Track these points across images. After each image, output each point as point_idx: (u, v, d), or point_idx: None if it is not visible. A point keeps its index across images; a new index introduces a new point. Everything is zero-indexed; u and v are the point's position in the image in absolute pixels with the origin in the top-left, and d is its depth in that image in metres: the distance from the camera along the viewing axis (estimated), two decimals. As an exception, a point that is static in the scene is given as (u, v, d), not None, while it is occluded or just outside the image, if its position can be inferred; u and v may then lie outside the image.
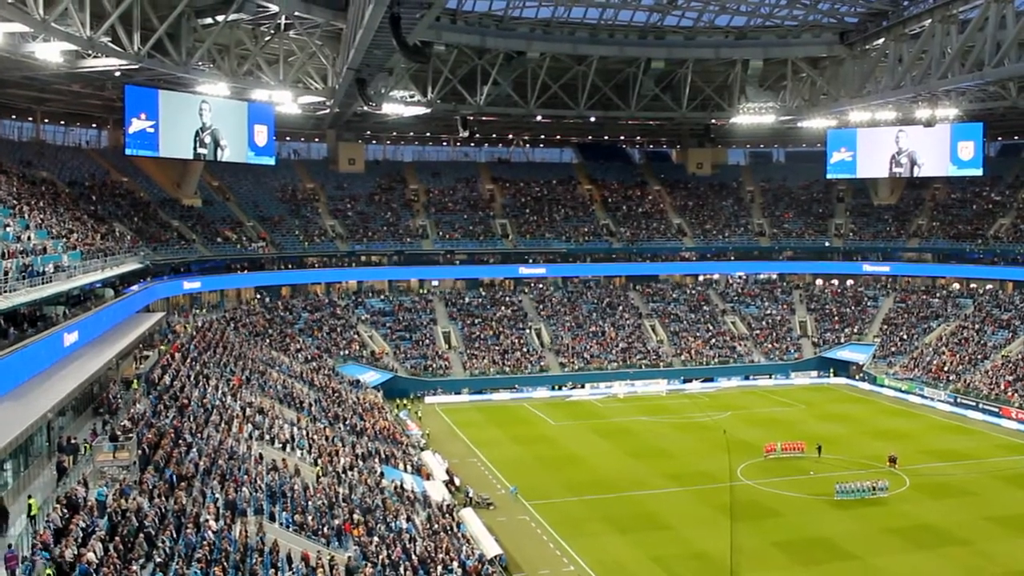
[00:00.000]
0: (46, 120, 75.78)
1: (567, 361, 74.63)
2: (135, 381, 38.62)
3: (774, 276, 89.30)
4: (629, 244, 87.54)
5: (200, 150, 67.62)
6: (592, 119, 79.49)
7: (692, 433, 57.55)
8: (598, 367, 74.35)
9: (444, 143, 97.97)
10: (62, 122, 77.36)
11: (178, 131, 65.38)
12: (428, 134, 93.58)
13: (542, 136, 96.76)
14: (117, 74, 56.05)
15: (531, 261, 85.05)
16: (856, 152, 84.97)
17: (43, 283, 33.06)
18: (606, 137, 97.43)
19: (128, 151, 65.15)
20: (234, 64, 59.63)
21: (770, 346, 79.18)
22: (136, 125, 62.87)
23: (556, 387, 71.74)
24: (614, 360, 75.29)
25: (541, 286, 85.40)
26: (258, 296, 75.29)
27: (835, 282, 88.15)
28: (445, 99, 70.44)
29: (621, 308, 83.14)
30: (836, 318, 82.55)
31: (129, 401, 35.51)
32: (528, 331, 78.19)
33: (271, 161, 74.21)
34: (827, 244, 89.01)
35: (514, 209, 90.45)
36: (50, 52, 44.57)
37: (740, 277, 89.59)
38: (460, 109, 71.67)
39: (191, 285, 67.20)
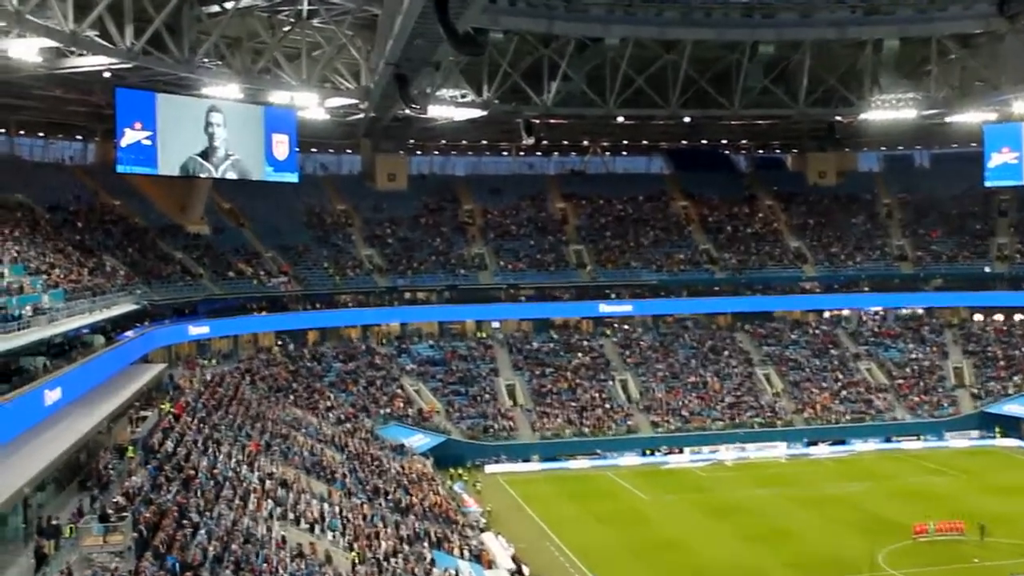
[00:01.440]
0: (21, 132, 76.71)
1: (660, 420, 73.92)
2: (130, 448, 38.72)
3: (920, 311, 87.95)
4: (735, 273, 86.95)
5: (207, 166, 68.03)
6: (686, 120, 78.78)
7: (820, 510, 56.38)
8: (699, 427, 73.57)
9: (504, 153, 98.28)
10: (41, 134, 78.38)
11: (181, 143, 65.47)
12: (484, 142, 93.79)
13: (624, 142, 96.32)
14: (106, 75, 56.44)
15: (614, 296, 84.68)
16: (1022, 153, 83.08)
17: (19, 329, 33.52)
18: (704, 141, 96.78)
19: (120, 168, 64.51)
20: (247, 60, 59.95)
21: (917, 399, 77.65)
22: (130, 136, 62.72)
23: (648, 452, 71.20)
24: (719, 418, 74.48)
25: (627, 327, 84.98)
26: (279, 343, 75.68)
27: (999, 317, 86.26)
28: (504, 99, 70.21)
29: (727, 353, 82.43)
30: (1001, 363, 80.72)
31: (123, 472, 35.49)
32: (612, 383, 77.69)
33: (294, 178, 74.41)
34: (987, 269, 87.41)
35: (591, 232, 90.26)
36: (26, 50, 45.37)
37: (876, 313, 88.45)
38: (523, 111, 71.41)
39: (198, 330, 67.64)
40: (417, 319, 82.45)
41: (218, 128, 67.24)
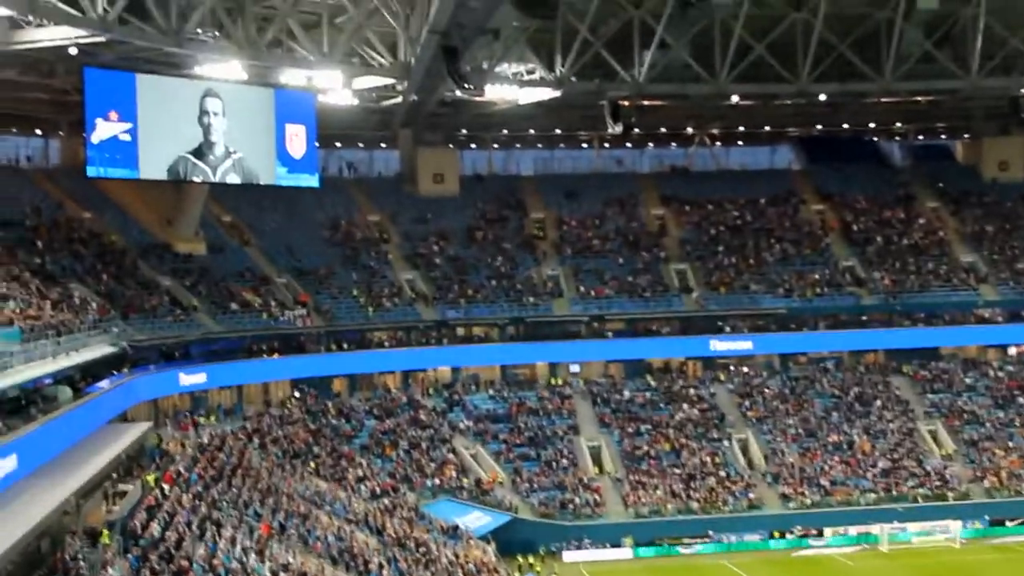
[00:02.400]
0: (-36, 127, 77.87)
1: (792, 491, 72.99)
2: (105, 532, 38.47)
3: None
4: (889, 298, 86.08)
5: (202, 167, 68.42)
6: (822, 98, 78.74)
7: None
8: (844, 501, 72.55)
9: (584, 145, 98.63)
10: (-11, 129, 79.32)
11: (168, 138, 66.15)
12: (558, 132, 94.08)
13: (740, 128, 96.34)
14: (72, 51, 56.91)
15: (729, 330, 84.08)
16: None
17: (-37, 379, 33.48)
18: (845, 126, 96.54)
19: (91, 171, 65.70)
20: (252, 31, 60.06)
21: None
22: (103, 130, 63.55)
23: (776, 534, 70.59)
24: (871, 489, 73.33)
25: (746, 370, 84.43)
26: (296, 394, 75.53)
27: None
28: (584, 75, 70.61)
29: (879, 403, 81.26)
30: None
31: (96, 565, 35.22)
32: (727, 443, 77.09)
33: (314, 181, 75.06)
34: None
35: (698, 247, 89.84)
36: (-32, 21, 46.49)
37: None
38: (608, 90, 71.85)
39: (191, 379, 66.90)
40: (473, 362, 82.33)
41: (216, 118, 68.13)
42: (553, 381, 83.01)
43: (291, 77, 66.01)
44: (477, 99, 70.68)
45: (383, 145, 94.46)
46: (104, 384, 52.61)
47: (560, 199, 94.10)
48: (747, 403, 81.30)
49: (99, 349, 52.23)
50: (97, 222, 74.25)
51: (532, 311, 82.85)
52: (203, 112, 67.69)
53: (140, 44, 55.43)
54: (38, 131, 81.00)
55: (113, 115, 63.71)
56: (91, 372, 51.46)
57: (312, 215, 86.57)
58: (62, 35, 51.64)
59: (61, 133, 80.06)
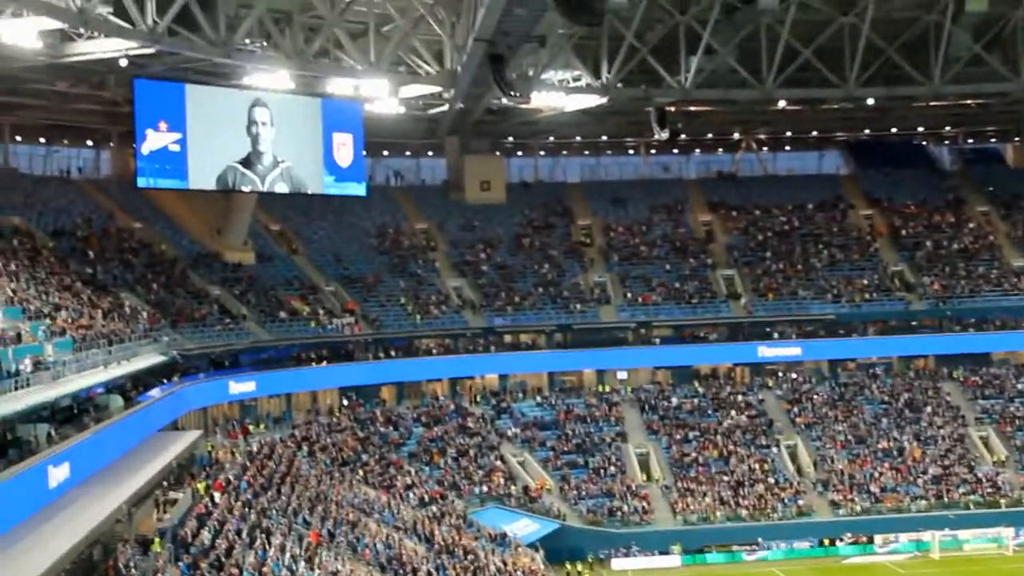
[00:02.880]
0: (17, 138, 78.10)
1: (842, 499, 72.64)
2: (156, 540, 38.48)
3: None
4: (939, 303, 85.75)
5: (251, 176, 68.97)
6: (870, 102, 78.34)
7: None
8: (895, 508, 72.17)
9: (630, 152, 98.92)
10: (41, 140, 79.65)
11: (217, 148, 66.88)
12: (604, 139, 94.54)
13: (788, 134, 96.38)
14: (123, 63, 57.16)
15: (777, 336, 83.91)
16: None
17: (16, 389, 33.58)
18: (894, 130, 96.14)
19: (141, 182, 66.37)
20: (300, 40, 60.68)
21: None
22: (153, 141, 64.17)
23: (826, 542, 70.13)
24: (922, 496, 72.91)
25: (795, 376, 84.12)
26: (345, 402, 75.84)
27: None
28: (631, 81, 70.51)
29: (930, 409, 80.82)
30: None
31: (148, 572, 35.31)
32: (776, 449, 76.84)
33: (361, 190, 75.66)
34: None
35: (746, 252, 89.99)
36: (22, 33, 46.36)
37: None
38: (654, 96, 71.10)
39: (241, 387, 67.74)
40: (520, 369, 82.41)
41: (264, 128, 68.94)
42: (600, 388, 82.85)
43: (338, 86, 66.17)
44: (523, 106, 70.58)
45: (430, 153, 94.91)
46: (155, 393, 53.38)
47: (607, 206, 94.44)
48: (796, 409, 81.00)
49: (150, 358, 52.76)
50: (147, 232, 75.33)
51: (579, 318, 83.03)
52: (251, 122, 68.15)
53: (189, 55, 55.78)
54: (89, 142, 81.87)
55: (163, 126, 64.36)
56: (142, 381, 52.09)
57: (360, 223, 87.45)
58: (113, 47, 52.02)
59: (112, 144, 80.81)
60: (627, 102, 74.01)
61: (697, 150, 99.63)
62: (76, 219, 72.29)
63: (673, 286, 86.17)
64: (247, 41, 58.22)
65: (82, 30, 49.18)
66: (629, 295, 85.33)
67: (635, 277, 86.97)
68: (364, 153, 75.66)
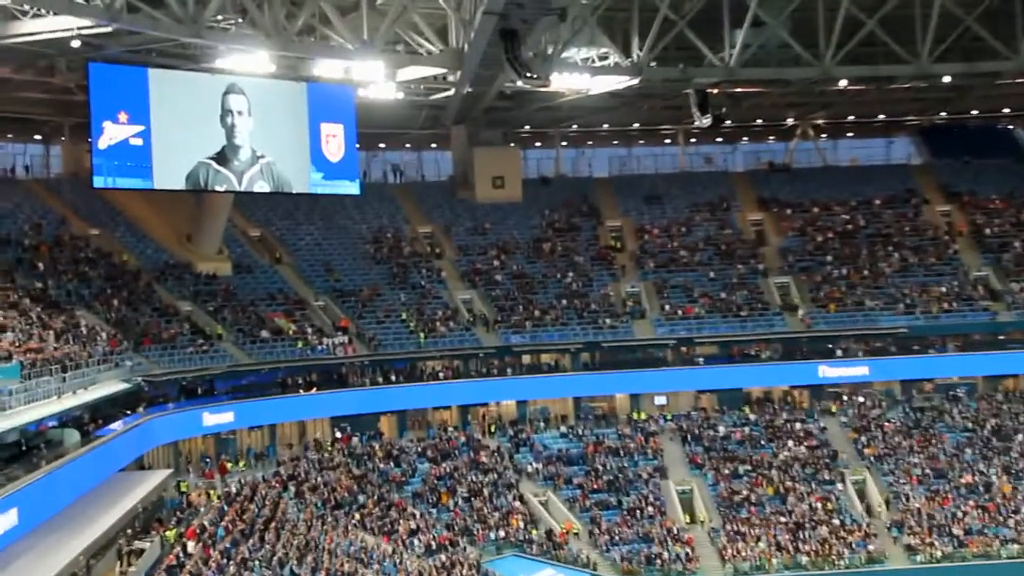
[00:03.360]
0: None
1: (919, 543, 68.46)
2: (120, 596, 38.00)
3: None
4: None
5: (226, 174, 67.45)
6: (946, 79, 76.75)
7: None
8: (982, 553, 68.13)
9: (667, 142, 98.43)
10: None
11: (186, 142, 65.39)
12: (636, 126, 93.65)
13: (850, 118, 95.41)
14: (75, 44, 56.60)
15: (840, 354, 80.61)
16: None
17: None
18: (974, 112, 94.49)
19: (98, 181, 64.48)
20: (280, 16, 59.22)
21: None
22: (112, 134, 62.63)
23: (902, 596, 68.28)
24: (1013, 539, 68.81)
25: (862, 400, 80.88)
26: (338, 435, 73.64)
27: None
28: (666, 60, 69.90)
29: (1021, 437, 77.33)
30: None
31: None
32: (840, 485, 73.28)
33: (354, 188, 75.36)
34: None
35: (802, 256, 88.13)
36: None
37: None
38: (694, 76, 70.45)
39: (217, 418, 66.18)
40: (542, 395, 79.69)
41: (240, 118, 67.46)
42: (635, 415, 79.94)
43: (326, 69, 64.90)
44: (541, 90, 70.05)
45: (433, 145, 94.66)
46: (117, 426, 53.60)
47: (640, 204, 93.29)
48: (863, 439, 77.65)
49: (111, 386, 52.55)
50: (106, 240, 74.54)
51: (609, 335, 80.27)
52: (226, 111, 66.80)
53: (152, 34, 55.19)
54: (37, 136, 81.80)
55: (123, 116, 63.41)
56: (102, 412, 52.55)
57: (353, 227, 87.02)
58: (63, 26, 51.56)
59: (63, 138, 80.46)
60: (662, 84, 73.63)
61: (744, 139, 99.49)
62: (23, 225, 71.63)
63: (718, 296, 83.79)
64: (219, 18, 57.18)
65: (27, 6, 48.72)
66: (667, 308, 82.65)
67: (674, 287, 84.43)
68: (357, 146, 74.39)
